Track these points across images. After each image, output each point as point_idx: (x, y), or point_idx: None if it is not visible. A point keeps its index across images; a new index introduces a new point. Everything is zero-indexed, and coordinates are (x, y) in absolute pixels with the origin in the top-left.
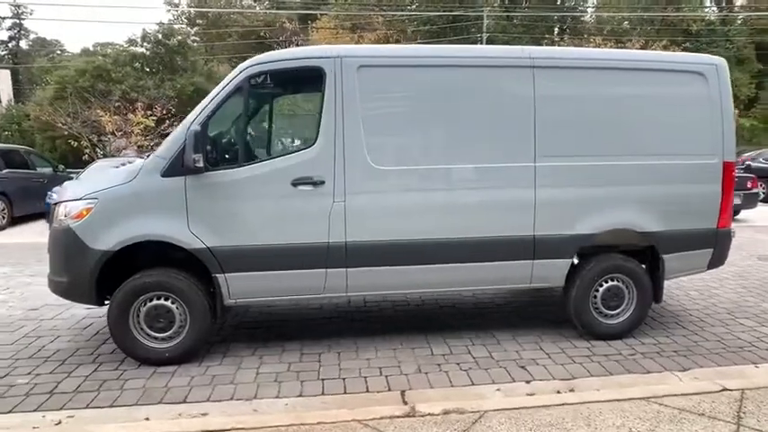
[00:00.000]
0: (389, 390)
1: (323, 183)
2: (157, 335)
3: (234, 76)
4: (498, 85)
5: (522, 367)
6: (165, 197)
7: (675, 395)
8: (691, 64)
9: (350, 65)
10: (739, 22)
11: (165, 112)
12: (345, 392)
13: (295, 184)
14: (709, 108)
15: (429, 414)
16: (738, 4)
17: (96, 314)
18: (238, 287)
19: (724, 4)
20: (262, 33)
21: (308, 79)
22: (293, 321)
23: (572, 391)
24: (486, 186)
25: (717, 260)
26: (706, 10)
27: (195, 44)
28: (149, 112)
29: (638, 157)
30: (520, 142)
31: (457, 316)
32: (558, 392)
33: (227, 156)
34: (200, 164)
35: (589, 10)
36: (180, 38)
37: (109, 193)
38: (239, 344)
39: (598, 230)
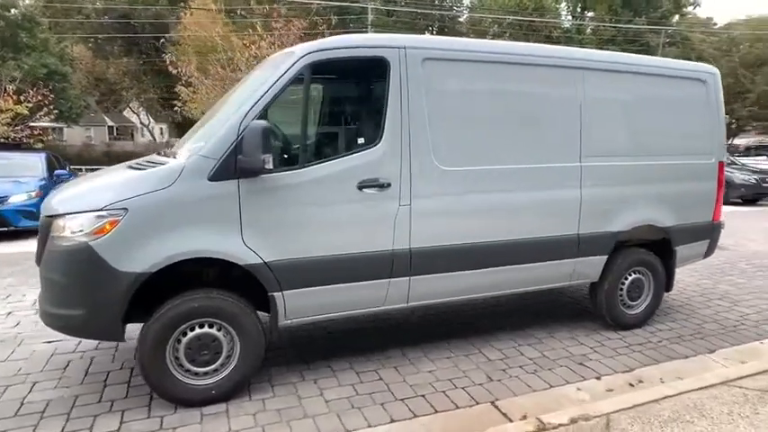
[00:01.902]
0: (476, 402)
1: (389, 185)
2: (199, 369)
3: (292, 63)
4: (556, 86)
5: (581, 364)
6: (214, 205)
7: (743, 377)
8: (695, 72)
9: (415, 57)
10: (589, 31)
11: (40, 98)
12: (436, 411)
13: (361, 187)
14: (708, 112)
15: (560, 425)
16: (590, 15)
17: (66, 347)
18: (296, 305)
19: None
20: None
21: (371, 70)
22: (319, 338)
23: (641, 382)
24: (544, 187)
25: (711, 249)
26: (563, 18)
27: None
28: (22, 97)
29: (659, 158)
30: (570, 142)
31: (482, 317)
32: (631, 385)
33: (285, 156)
34: (270, 165)
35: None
36: (23, 10)
37: (142, 201)
38: (278, 368)
39: (630, 227)
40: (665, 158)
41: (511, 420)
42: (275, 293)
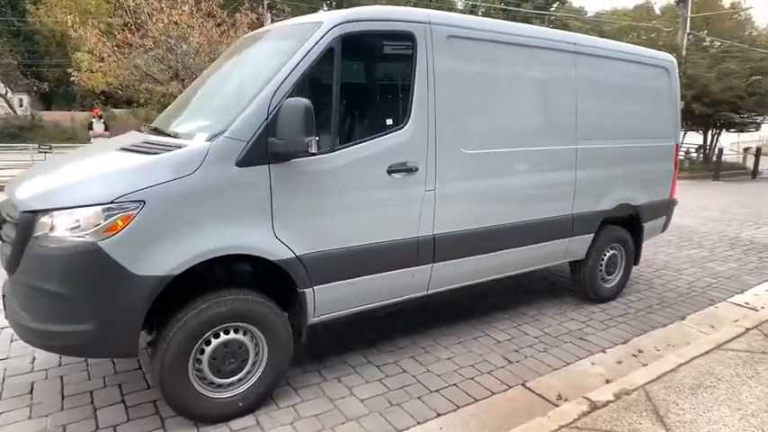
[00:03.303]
0: (508, 386)
1: (417, 169)
2: (223, 380)
3: (322, 35)
4: (560, 69)
5: (581, 339)
6: (243, 194)
7: (728, 341)
8: (661, 60)
9: (440, 33)
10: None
11: None
12: (476, 400)
13: (390, 171)
14: (669, 98)
15: (608, 401)
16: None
17: (16, 367)
18: (325, 301)
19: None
20: None
21: (398, 46)
22: (321, 334)
23: (641, 352)
24: (550, 169)
25: (666, 225)
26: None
27: None
28: None
29: (634, 140)
30: (569, 125)
31: (466, 300)
32: (634, 356)
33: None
34: (315, 148)
35: None
36: None
37: (161, 191)
38: (293, 369)
39: (612, 206)
40: (639, 141)
41: (547, 400)
42: (306, 290)
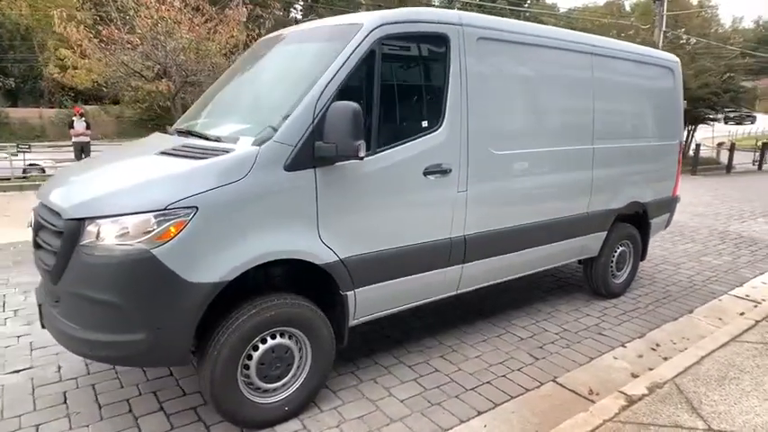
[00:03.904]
0: (540, 382)
1: (450, 171)
2: (269, 385)
3: (364, 36)
4: (580, 70)
5: (600, 334)
6: (291, 198)
7: (741, 333)
8: (666, 60)
9: (471, 35)
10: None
11: None
12: (511, 397)
13: (426, 173)
14: (674, 98)
15: (643, 395)
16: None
17: (43, 376)
18: (364, 303)
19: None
20: None
21: (433, 48)
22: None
23: (658, 345)
24: (571, 168)
25: (669, 221)
26: None
27: None
28: None
29: (643, 140)
30: (587, 125)
31: (482, 297)
32: (653, 349)
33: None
34: (363, 152)
35: None
36: None
37: (213, 197)
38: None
39: (623, 204)
40: (648, 140)
41: (580, 395)
42: (348, 292)
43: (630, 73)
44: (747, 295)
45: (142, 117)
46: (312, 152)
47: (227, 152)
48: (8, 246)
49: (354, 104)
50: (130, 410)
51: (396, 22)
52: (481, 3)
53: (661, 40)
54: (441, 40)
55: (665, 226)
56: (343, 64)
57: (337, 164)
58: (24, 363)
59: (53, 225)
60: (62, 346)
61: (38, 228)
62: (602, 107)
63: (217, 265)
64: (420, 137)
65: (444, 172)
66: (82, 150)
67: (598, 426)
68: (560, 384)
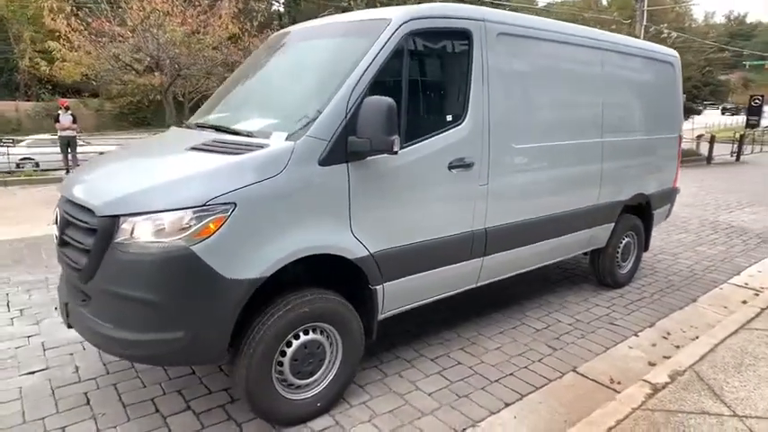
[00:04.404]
0: (561, 373)
1: (473, 164)
2: (302, 381)
3: (393, 31)
4: (591, 65)
5: (611, 323)
6: (325, 194)
7: (749, 321)
8: (667, 55)
9: (492, 30)
10: None
11: None
12: (536, 388)
13: (450, 167)
14: (675, 92)
15: (666, 383)
16: None
17: (60, 377)
18: (392, 297)
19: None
20: None
21: (457, 43)
22: None
23: (669, 334)
24: (584, 161)
25: (670, 212)
26: None
27: None
28: None
29: (648, 133)
30: (597, 119)
31: (493, 290)
32: (664, 338)
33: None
34: (398, 147)
35: None
36: None
37: (251, 193)
38: None
39: (630, 195)
40: (651, 134)
41: (602, 384)
42: (377, 287)
43: (636, 68)
44: (746, 283)
45: (122, 111)
46: (345, 147)
47: (262, 147)
48: (4, 243)
49: (389, 99)
50: (157, 410)
51: (422, 18)
52: None
53: (642, 35)
54: (464, 35)
55: (666, 217)
56: (374, 59)
57: (368, 158)
58: (39, 363)
59: (84, 222)
60: (93, 345)
61: (64, 225)
62: (611, 101)
63: (255, 262)
64: (445, 131)
65: (467, 166)
66: (68, 145)
67: (628, 414)
68: (581, 374)
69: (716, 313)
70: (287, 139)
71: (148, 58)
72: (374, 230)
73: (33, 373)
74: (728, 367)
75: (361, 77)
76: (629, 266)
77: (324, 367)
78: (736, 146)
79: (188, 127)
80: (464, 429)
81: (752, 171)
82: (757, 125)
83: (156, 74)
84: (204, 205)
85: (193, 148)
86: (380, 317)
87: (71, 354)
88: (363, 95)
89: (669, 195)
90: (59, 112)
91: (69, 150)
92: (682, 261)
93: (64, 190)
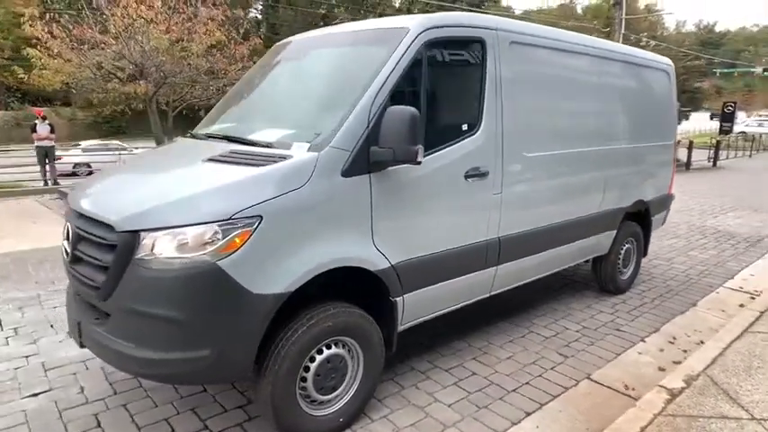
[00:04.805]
0: (576, 380)
1: (487, 174)
2: (324, 397)
3: (411, 41)
4: (592, 73)
5: (618, 329)
6: (348, 205)
7: (751, 324)
8: (663, 63)
9: (504, 39)
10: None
11: None
12: (553, 396)
13: (467, 176)
14: (670, 100)
15: (682, 388)
16: None
17: (66, 398)
18: (411, 308)
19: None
20: None
21: (471, 52)
22: None
23: (675, 339)
24: (591, 169)
25: (666, 218)
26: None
27: None
28: None
29: (646, 141)
30: (599, 127)
31: (498, 298)
32: (671, 342)
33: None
34: (421, 158)
35: None
36: None
37: (276, 206)
38: None
39: (631, 202)
40: (650, 141)
41: (618, 391)
42: (397, 298)
43: (636, 76)
44: (741, 287)
45: (96, 120)
46: (367, 157)
47: (285, 158)
48: None
49: (412, 109)
50: (173, 430)
51: (439, 27)
52: (441, 3)
53: (620, 43)
54: (478, 44)
55: (662, 223)
56: (394, 68)
57: (388, 168)
58: (42, 385)
59: (102, 238)
60: (111, 365)
61: (76, 240)
62: (614, 109)
63: (281, 276)
64: (461, 140)
65: (483, 175)
66: (46, 155)
67: (651, 420)
68: (596, 381)
69: (716, 317)
70: (309, 149)
71: (131, 66)
72: (395, 241)
73: (36, 395)
74: (739, 371)
75: (381, 87)
76: (629, 272)
77: (346, 382)
78: (712, 151)
79: (195, 137)
80: None
81: (729, 176)
82: (730, 131)
83: (141, 82)
84: (230, 219)
85: (211, 160)
86: (400, 329)
87: (74, 374)
88: (384, 105)
89: (666, 202)
90: (36, 121)
91: (47, 161)
92: (676, 266)
93: (74, 203)
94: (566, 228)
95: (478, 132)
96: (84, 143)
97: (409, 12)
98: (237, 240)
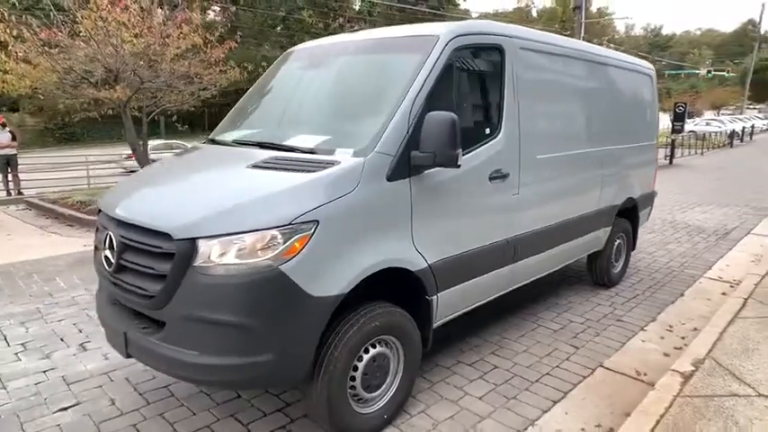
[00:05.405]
0: (591, 369)
1: (508, 175)
2: (370, 395)
3: (442, 48)
4: (590, 77)
5: (619, 320)
6: (392, 208)
7: (738, 311)
8: (645, 68)
9: (517, 45)
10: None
11: None
12: (574, 385)
13: (491, 178)
14: (652, 103)
15: (692, 371)
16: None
17: (98, 410)
18: (444, 306)
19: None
20: None
21: (491, 58)
22: None
23: (671, 326)
24: (591, 168)
25: (650, 213)
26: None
27: None
28: None
29: (636, 141)
30: (596, 129)
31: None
32: (668, 330)
33: None
34: (461, 160)
35: None
36: None
37: (330, 210)
38: None
39: (623, 200)
40: (638, 142)
41: (631, 377)
42: (433, 297)
43: (626, 80)
44: (720, 277)
45: (47, 126)
46: (408, 162)
47: (333, 164)
48: None
49: (452, 114)
50: None
51: (466, 34)
52: (402, 7)
53: None
54: (497, 50)
55: (647, 218)
56: (429, 74)
57: (425, 172)
58: (68, 399)
59: (155, 246)
60: (166, 374)
61: (122, 249)
62: (610, 112)
63: (336, 278)
64: (485, 143)
65: (504, 177)
66: (8, 164)
67: (671, 402)
68: (609, 369)
69: (704, 305)
70: (354, 155)
71: (102, 70)
72: (431, 242)
73: (66, 409)
74: (738, 353)
75: (419, 92)
76: (620, 266)
77: (388, 379)
78: (669, 150)
79: (219, 143)
80: (525, 429)
81: (687, 173)
82: (681, 130)
83: (117, 87)
84: (290, 224)
85: (255, 166)
86: (434, 326)
87: (99, 386)
88: (422, 110)
89: (650, 198)
90: None
91: (9, 170)
92: (658, 259)
93: (113, 211)
94: (570, 225)
95: (500, 136)
96: (151, 143)
97: (370, 14)
98: (297, 245)
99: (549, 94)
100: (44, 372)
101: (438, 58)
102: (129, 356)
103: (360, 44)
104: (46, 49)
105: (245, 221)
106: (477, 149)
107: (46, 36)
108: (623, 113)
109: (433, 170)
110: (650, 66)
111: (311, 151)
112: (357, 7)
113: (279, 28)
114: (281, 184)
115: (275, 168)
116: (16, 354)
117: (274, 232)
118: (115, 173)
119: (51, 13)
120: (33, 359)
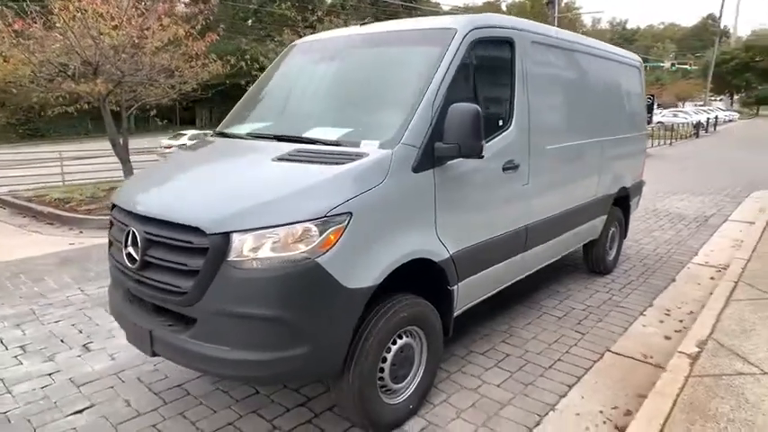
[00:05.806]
0: (599, 353)
1: (519, 166)
2: (397, 386)
3: (460, 41)
4: (588, 70)
5: (619, 305)
6: (418, 198)
7: (729, 295)
8: (634, 60)
9: (527, 39)
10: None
11: None
12: (586, 370)
13: (504, 168)
14: (641, 94)
15: (697, 353)
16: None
17: (115, 412)
18: (463, 295)
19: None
20: None
21: (503, 51)
22: None
23: (669, 310)
24: (591, 159)
25: (638, 201)
26: None
27: None
28: None
29: (628, 132)
30: (595, 120)
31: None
32: (666, 314)
33: None
34: (484, 151)
35: None
36: None
37: (362, 202)
38: None
39: (617, 189)
40: (630, 132)
41: (638, 360)
42: (454, 286)
43: (621, 72)
44: (707, 262)
45: (10, 121)
46: (431, 153)
47: (361, 156)
48: None
49: (475, 106)
50: None
51: (481, 27)
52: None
53: None
54: (509, 44)
55: (637, 206)
56: (449, 66)
57: (447, 163)
58: (81, 401)
59: (186, 242)
60: (197, 370)
61: (146, 245)
62: (607, 103)
63: (369, 270)
64: (499, 135)
65: (515, 167)
66: None
67: (684, 382)
68: (617, 353)
69: (696, 290)
70: (380, 147)
71: (80, 63)
72: (452, 232)
73: (81, 411)
74: (737, 333)
75: (440, 84)
76: (614, 254)
77: (413, 370)
78: None
79: (230, 136)
80: (546, 414)
81: (659, 163)
82: (650, 122)
83: (98, 80)
84: (325, 216)
85: (280, 159)
86: (455, 315)
87: (111, 387)
88: (443, 102)
89: (640, 187)
90: None
91: None
92: (646, 246)
93: (133, 206)
94: (572, 214)
95: (511, 127)
96: (188, 132)
97: (342, 8)
98: (332, 237)
99: (556, 86)
100: (49, 375)
101: (457, 51)
102: (154, 354)
103: (375, 37)
104: (20, 40)
105: (280, 215)
106: (493, 140)
107: (20, 27)
108: (618, 104)
109: (454, 161)
110: (638, 58)
111: (336, 143)
112: (329, 0)
113: (250, 21)
114: (312, 176)
115: (302, 161)
116: (16, 357)
117: (309, 225)
118: (98, 169)
119: (26, 3)
120: (35, 362)
